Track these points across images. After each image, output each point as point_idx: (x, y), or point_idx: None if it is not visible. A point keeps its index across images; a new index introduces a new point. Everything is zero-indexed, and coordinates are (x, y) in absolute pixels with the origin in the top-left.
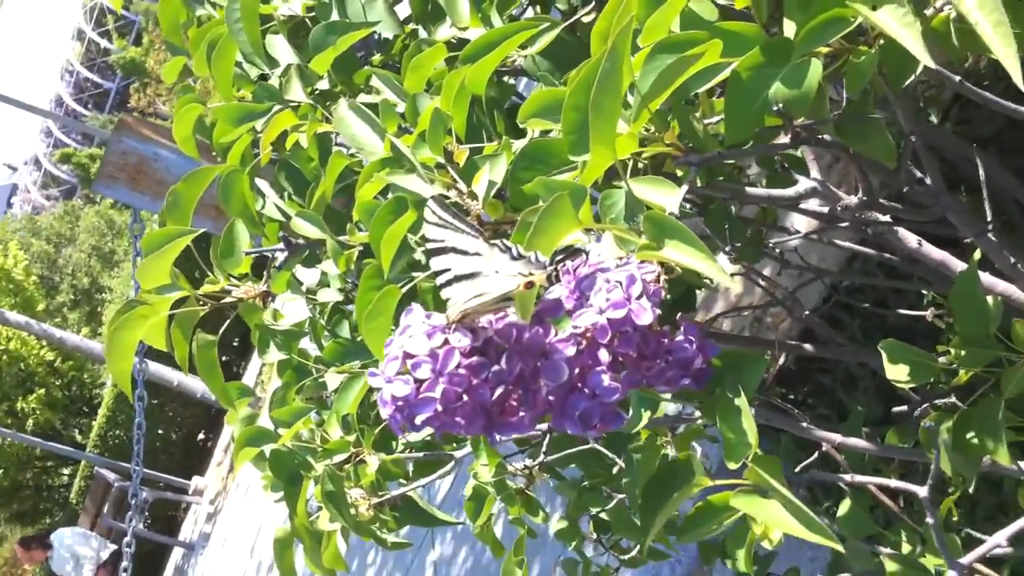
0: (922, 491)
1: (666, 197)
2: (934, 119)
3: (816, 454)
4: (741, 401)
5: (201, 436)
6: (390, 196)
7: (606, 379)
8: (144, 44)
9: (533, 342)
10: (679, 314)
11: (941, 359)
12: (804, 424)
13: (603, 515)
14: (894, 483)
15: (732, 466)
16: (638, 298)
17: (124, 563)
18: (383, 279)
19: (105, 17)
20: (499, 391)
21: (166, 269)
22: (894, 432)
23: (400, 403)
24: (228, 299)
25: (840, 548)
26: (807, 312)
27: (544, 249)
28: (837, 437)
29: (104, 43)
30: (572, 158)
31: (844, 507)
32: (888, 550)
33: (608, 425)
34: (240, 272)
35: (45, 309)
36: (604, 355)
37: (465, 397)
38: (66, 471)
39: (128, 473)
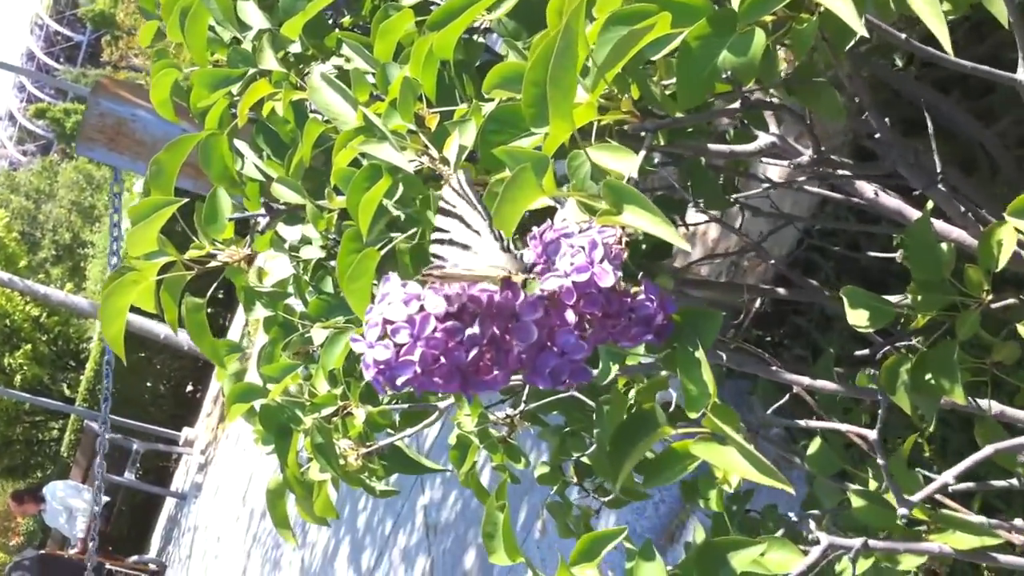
0: (871, 434)
1: (624, 163)
2: (899, 63)
3: (787, 396)
4: (700, 354)
5: (190, 388)
6: (365, 163)
7: (572, 338)
8: None
9: (504, 306)
10: (640, 275)
11: (897, 300)
12: (773, 368)
13: (584, 459)
14: (844, 427)
15: (693, 415)
16: (600, 262)
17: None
18: (362, 242)
19: None
20: (473, 352)
21: (153, 237)
22: (863, 374)
23: (382, 366)
24: (213, 263)
25: (790, 489)
26: (780, 256)
27: (511, 216)
28: (806, 380)
29: None
30: (536, 131)
31: (813, 446)
32: (855, 486)
33: (577, 380)
34: (224, 237)
35: (28, 265)
36: (571, 316)
37: (442, 359)
38: (56, 425)
39: (118, 426)
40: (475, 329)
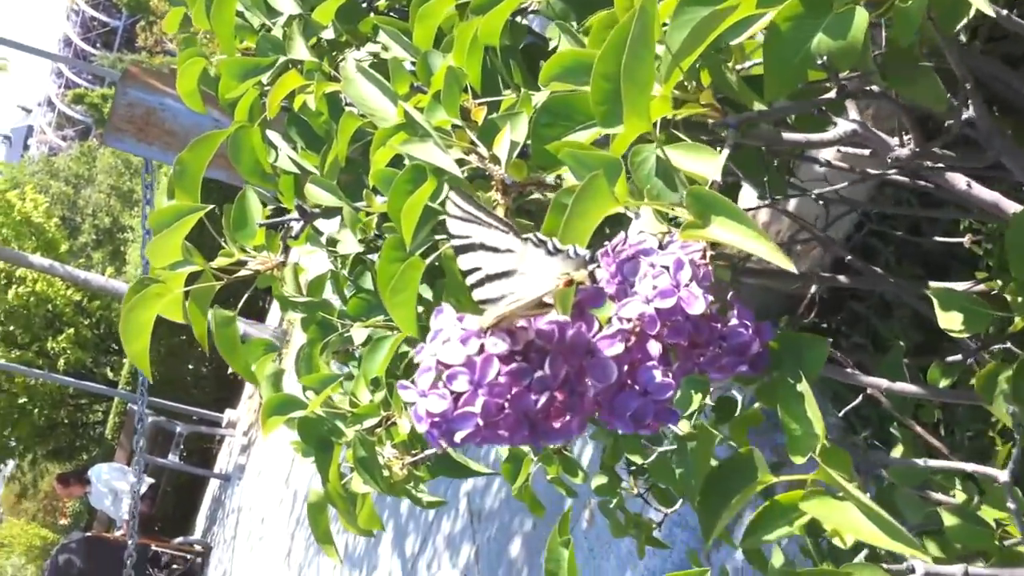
0: (1003, 475)
1: (705, 164)
2: (963, 38)
3: (860, 397)
4: (803, 387)
5: (231, 370)
6: (407, 164)
7: (658, 375)
8: None
9: (577, 340)
10: (729, 294)
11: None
12: (849, 370)
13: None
14: (970, 467)
15: (798, 460)
16: (687, 284)
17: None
18: (405, 251)
19: None
20: (544, 398)
21: (177, 246)
22: (936, 367)
23: (436, 419)
24: (244, 271)
25: (926, 558)
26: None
27: (581, 233)
28: (884, 382)
29: None
30: (607, 130)
31: (897, 452)
32: (941, 497)
33: (663, 421)
34: (255, 244)
35: (69, 250)
36: (654, 347)
37: (507, 408)
38: (100, 408)
39: (161, 409)
40: (545, 370)
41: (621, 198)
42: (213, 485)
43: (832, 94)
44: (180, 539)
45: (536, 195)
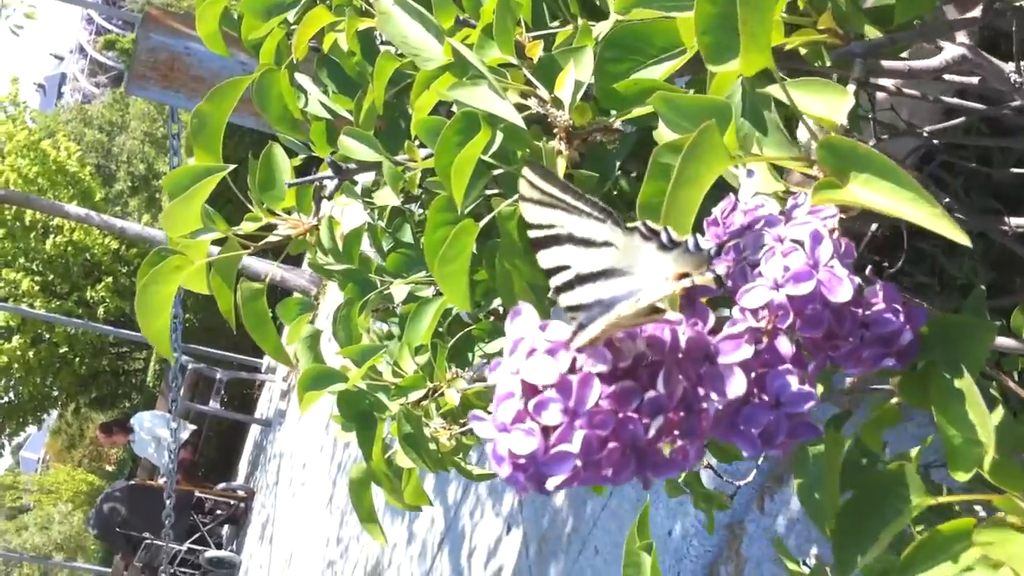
0: None
1: (833, 105)
2: None
3: None
4: (964, 383)
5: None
6: (455, 110)
7: (794, 381)
8: None
9: (694, 345)
10: (867, 268)
11: None
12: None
13: None
14: None
15: (960, 477)
16: (828, 264)
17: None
18: (455, 213)
19: None
20: (657, 423)
21: (196, 213)
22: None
23: (522, 461)
24: (273, 236)
25: None
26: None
27: (691, 203)
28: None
29: None
30: (713, 68)
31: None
32: None
33: (798, 438)
34: (284, 206)
35: (104, 198)
36: (785, 346)
37: (611, 440)
38: (140, 356)
39: (201, 356)
40: (658, 388)
41: (732, 149)
42: (254, 431)
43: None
44: (223, 485)
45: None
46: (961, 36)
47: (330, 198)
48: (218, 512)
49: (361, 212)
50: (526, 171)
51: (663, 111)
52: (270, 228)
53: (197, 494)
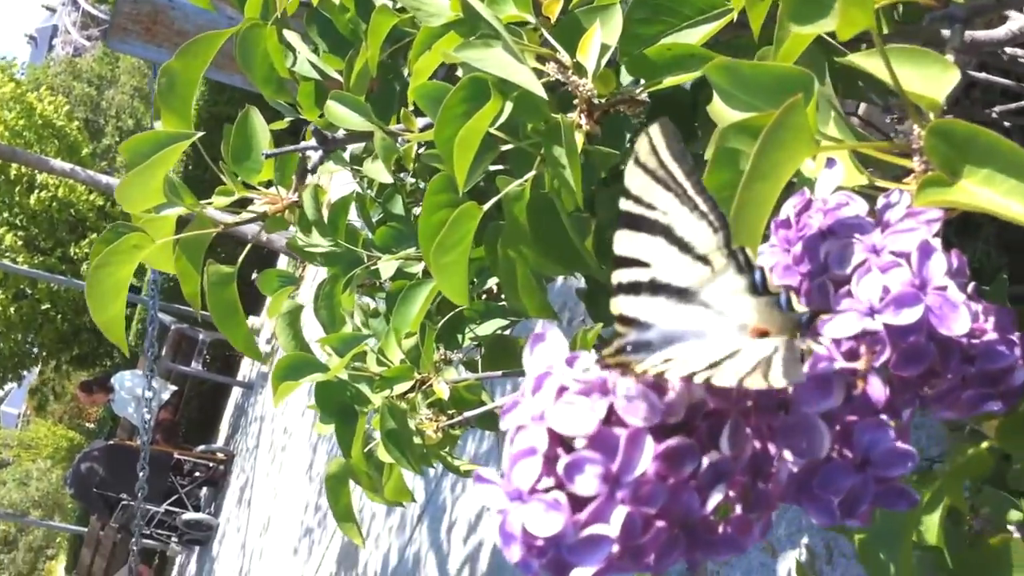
0: None
1: (934, 81)
2: None
3: None
4: None
5: (255, 276)
6: (461, 75)
7: (888, 436)
8: None
9: (767, 395)
10: (970, 285)
11: None
12: None
13: None
14: None
15: None
16: (941, 286)
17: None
18: (456, 194)
19: None
20: (716, 496)
21: (157, 185)
22: None
23: (541, 543)
24: (247, 213)
25: None
26: None
27: (767, 201)
28: None
29: None
30: (801, 29)
31: None
32: None
33: (887, 506)
34: (261, 179)
35: (91, 153)
36: (877, 388)
37: (659, 520)
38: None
39: (183, 317)
40: (722, 448)
41: (809, 153)
42: (236, 393)
43: None
44: (203, 447)
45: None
46: None
47: (313, 171)
48: (197, 474)
49: (349, 180)
50: (654, 130)
51: (722, 83)
52: (245, 204)
53: (176, 456)
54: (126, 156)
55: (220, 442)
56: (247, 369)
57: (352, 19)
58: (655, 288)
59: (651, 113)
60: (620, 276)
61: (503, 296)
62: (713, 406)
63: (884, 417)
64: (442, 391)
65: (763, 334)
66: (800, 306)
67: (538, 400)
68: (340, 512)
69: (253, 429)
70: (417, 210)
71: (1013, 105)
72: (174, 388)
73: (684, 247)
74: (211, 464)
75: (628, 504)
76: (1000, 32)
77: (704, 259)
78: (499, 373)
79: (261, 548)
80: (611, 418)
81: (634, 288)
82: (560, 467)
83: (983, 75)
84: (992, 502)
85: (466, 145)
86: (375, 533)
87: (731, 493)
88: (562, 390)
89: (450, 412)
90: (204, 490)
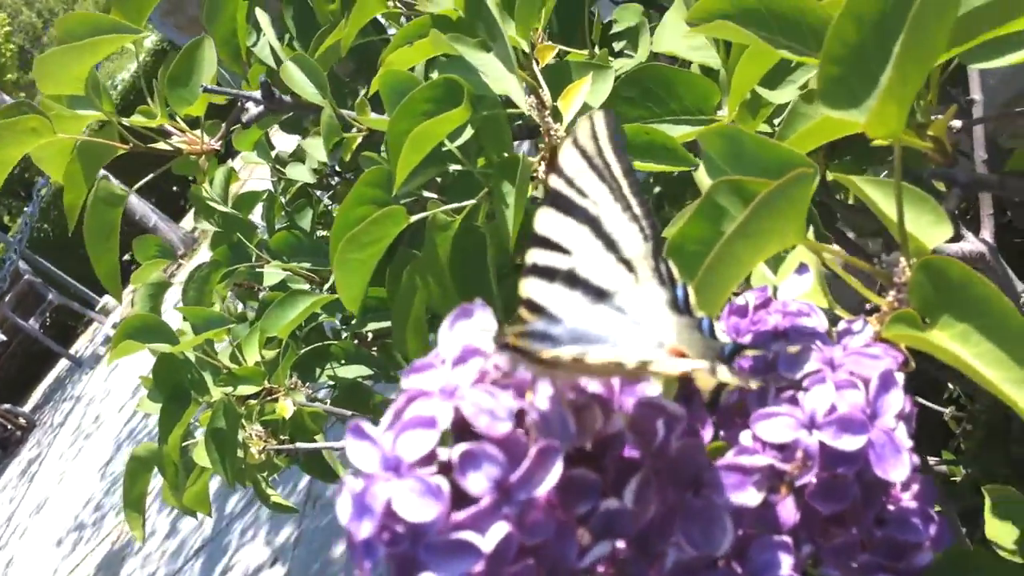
0: None
1: (928, 228)
2: None
3: None
4: None
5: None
6: (436, 75)
7: (786, 564)
8: None
9: (687, 458)
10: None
11: None
12: None
13: None
14: None
15: None
16: (892, 427)
17: None
18: (388, 194)
19: None
20: (600, 551)
21: (82, 73)
22: None
23: (400, 530)
24: (163, 144)
25: None
26: None
27: (746, 262)
28: None
29: None
30: (831, 112)
31: None
32: None
33: None
34: (189, 113)
35: (15, 81)
36: (789, 510)
37: (529, 557)
38: None
39: (40, 270)
40: (626, 500)
41: (798, 238)
42: (62, 365)
43: None
44: (8, 407)
45: None
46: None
47: (248, 125)
48: None
49: (265, 180)
50: (597, 116)
51: (713, 152)
52: (164, 135)
53: None
54: (59, 32)
55: (27, 408)
56: (82, 346)
57: (336, 12)
58: (572, 281)
59: None
60: (536, 257)
61: (375, 348)
62: (627, 449)
63: (787, 542)
64: (286, 408)
65: (680, 356)
66: (723, 336)
67: (457, 374)
68: (131, 499)
69: (65, 407)
70: (322, 232)
71: None
72: (3, 338)
73: (610, 245)
74: (9, 426)
75: (511, 524)
76: (952, 248)
77: (628, 264)
78: (348, 413)
79: (26, 527)
80: (523, 423)
81: (549, 274)
82: (455, 453)
83: None
84: None
85: (418, 143)
86: (147, 551)
87: (616, 556)
88: (483, 375)
89: (282, 438)
90: None
